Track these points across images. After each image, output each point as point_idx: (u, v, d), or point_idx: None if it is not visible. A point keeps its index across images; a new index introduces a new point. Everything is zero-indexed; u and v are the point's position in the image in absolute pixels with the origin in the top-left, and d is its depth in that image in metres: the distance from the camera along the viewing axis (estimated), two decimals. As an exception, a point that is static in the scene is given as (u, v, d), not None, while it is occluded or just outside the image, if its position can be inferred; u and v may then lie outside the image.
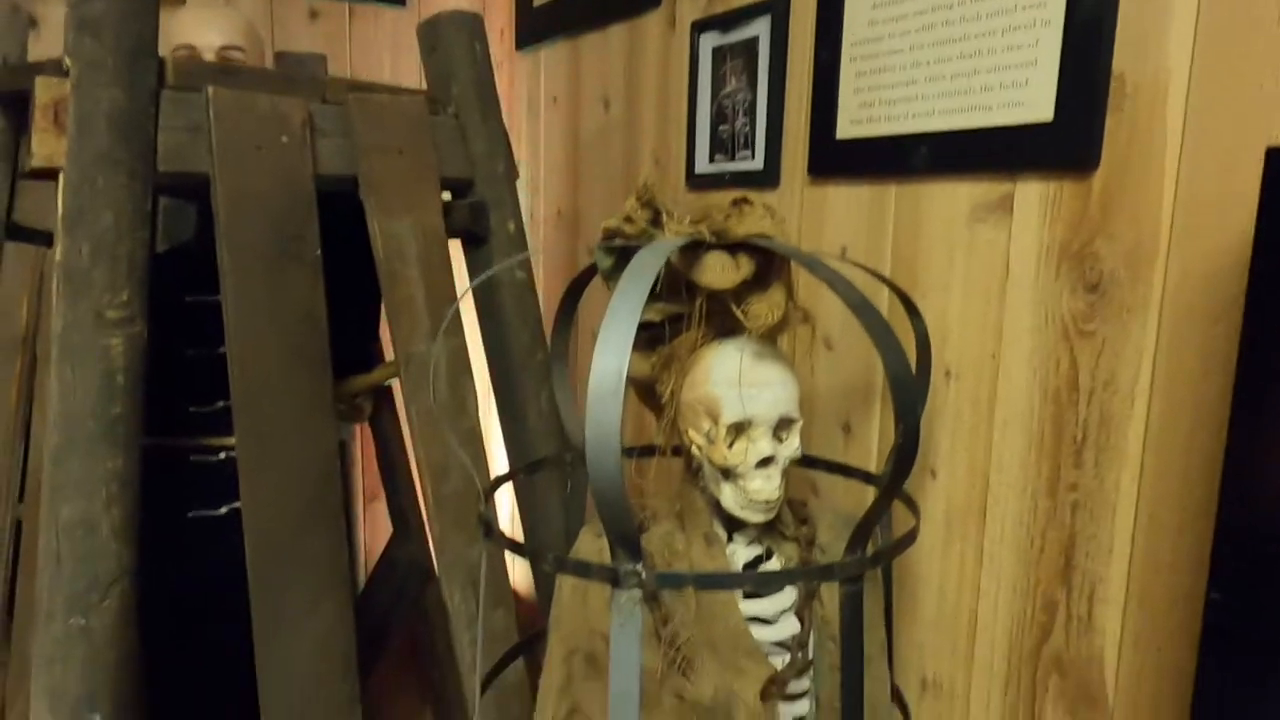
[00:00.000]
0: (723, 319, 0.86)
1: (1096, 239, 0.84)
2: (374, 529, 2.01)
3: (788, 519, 0.89)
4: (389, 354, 1.50)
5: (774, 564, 0.87)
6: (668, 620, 0.82)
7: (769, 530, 0.87)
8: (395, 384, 1.48)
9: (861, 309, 0.65)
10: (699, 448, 0.83)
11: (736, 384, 0.79)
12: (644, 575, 0.64)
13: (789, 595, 0.85)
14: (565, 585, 0.88)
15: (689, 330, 0.84)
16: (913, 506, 0.84)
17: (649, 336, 0.87)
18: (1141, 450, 0.81)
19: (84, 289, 0.88)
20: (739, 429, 0.80)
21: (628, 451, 1.06)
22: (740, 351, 0.81)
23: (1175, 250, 0.78)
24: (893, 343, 0.64)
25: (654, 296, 0.86)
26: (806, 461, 1.03)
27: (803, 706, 0.85)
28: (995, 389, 0.94)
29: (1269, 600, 0.64)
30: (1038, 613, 0.92)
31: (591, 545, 0.88)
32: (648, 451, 1.00)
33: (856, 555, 0.70)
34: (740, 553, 0.87)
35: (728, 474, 0.82)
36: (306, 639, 1.01)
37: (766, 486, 0.81)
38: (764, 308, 0.78)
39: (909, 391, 0.66)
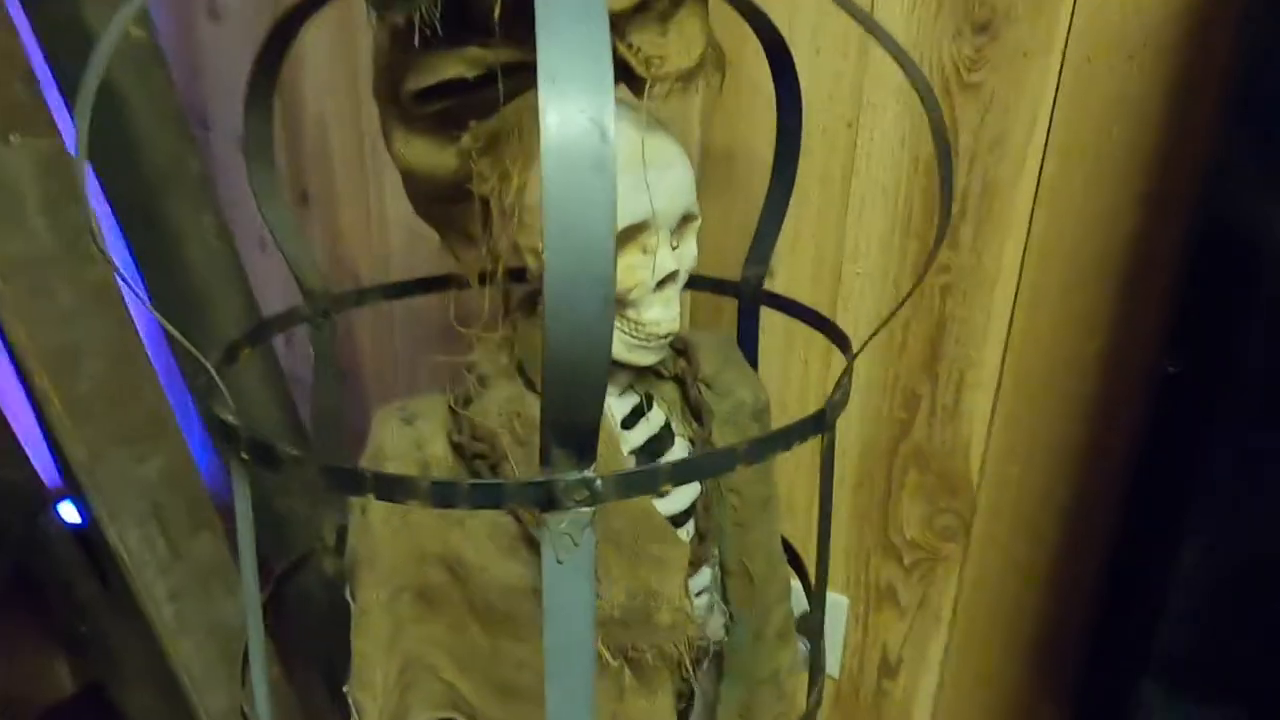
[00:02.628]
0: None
1: (989, -37, 0.69)
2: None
3: (665, 353, 0.67)
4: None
5: (656, 413, 0.66)
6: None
7: (642, 371, 0.65)
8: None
9: (906, 62, 0.43)
10: (560, 271, 0.56)
11: (636, 165, 0.52)
12: (599, 485, 0.38)
13: (680, 452, 0.66)
14: (374, 511, 0.58)
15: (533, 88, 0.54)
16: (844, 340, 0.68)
17: (446, 110, 0.55)
18: (1029, 214, 0.73)
19: None
20: (631, 235, 0.54)
21: (429, 282, 0.73)
22: (632, 115, 0.54)
23: (1085, -26, 0.66)
24: (934, 99, 0.43)
25: (467, 36, 0.54)
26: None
27: (704, 577, 0.68)
28: (852, 163, 0.79)
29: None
30: (896, 410, 0.84)
31: (401, 438, 0.58)
32: (457, 283, 0.69)
33: (841, 387, 0.52)
34: (614, 406, 0.64)
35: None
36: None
37: (666, 315, 0.58)
38: (674, 44, 0.50)
39: (950, 155, 0.46)
